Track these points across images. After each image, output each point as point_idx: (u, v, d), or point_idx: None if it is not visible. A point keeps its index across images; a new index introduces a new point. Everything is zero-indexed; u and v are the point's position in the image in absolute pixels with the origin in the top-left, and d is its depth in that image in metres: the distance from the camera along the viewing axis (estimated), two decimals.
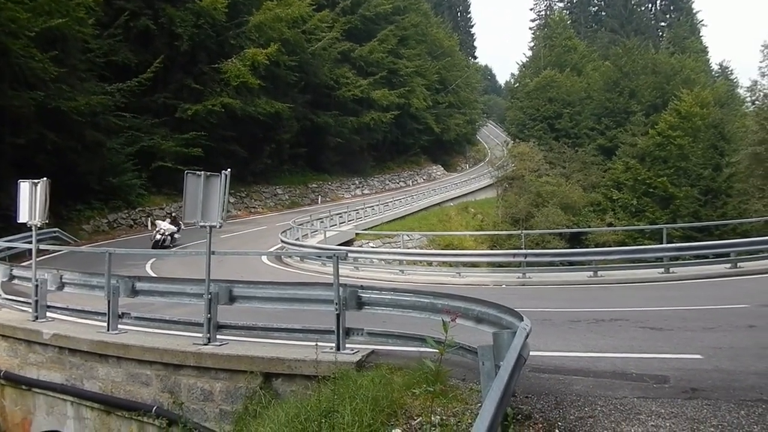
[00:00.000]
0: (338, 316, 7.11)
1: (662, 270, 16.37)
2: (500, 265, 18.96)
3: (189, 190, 7.76)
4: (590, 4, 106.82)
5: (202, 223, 7.80)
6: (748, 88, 48.75)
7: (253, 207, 40.58)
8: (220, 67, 34.79)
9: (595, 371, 6.69)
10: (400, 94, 53.81)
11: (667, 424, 4.98)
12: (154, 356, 7.70)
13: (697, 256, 17.77)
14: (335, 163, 50.98)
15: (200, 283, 7.93)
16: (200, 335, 7.75)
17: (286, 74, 40.12)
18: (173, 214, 25.20)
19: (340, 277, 7.30)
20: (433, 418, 4.92)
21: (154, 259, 19.94)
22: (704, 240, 25.69)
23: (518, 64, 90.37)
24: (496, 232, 36.82)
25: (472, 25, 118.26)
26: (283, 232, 25.12)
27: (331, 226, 29.56)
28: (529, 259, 17.18)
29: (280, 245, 23.19)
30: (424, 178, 64.29)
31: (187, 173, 7.84)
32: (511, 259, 18.06)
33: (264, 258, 21.28)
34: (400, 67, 56.31)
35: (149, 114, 32.63)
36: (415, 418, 5.14)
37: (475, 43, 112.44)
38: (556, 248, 28.58)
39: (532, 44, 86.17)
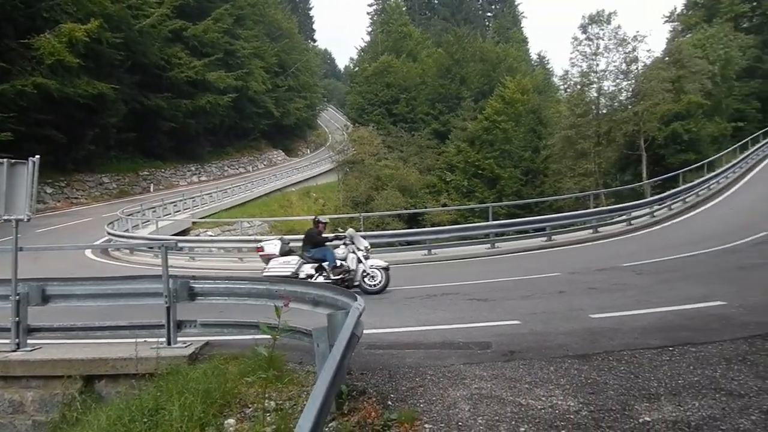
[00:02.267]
0: (168, 309, 6.78)
1: (489, 245, 17.69)
2: None
3: None
4: None
5: (6, 217, 6.97)
6: (560, 77, 53.64)
7: (75, 198, 37.09)
8: (30, 43, 31.13)
9: (426, 343, 7.05)
10: (237, 77, 52.10)
11: (489, 385, 5.39)
12: None
13: (518, 232, 19.45)
14: (169, 148, 48.21)
15: (6, 283, 7.11)
16: (8, 341, 6.96)
17: (110, 53, 36.94)
18: None
19: (172, 268, 6.95)
20: (267, 404, 4.88)
21: None
22: (525, 216, 28.07)
23: (357, 48, 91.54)
24: (337, 216, 37.24)
25: (311, 8, 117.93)
26: (110, 223, 23.34)
27: (165, 216, 28.02)
28: (367, 240, 17.63)
29: (107, 238, 21.54)
30: (265, 163, 63.19)
31: None
32: None
33: (88, 252, 19.66)
34: (237, 48, 54.45)
35: None
36: (250, 406, 5.06)
37: (315, 26, 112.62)
38: (395, 230, 29.58)
39: (370, 29, 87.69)
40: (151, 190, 43.09)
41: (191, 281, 7.08)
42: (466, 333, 7.42)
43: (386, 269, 11.60)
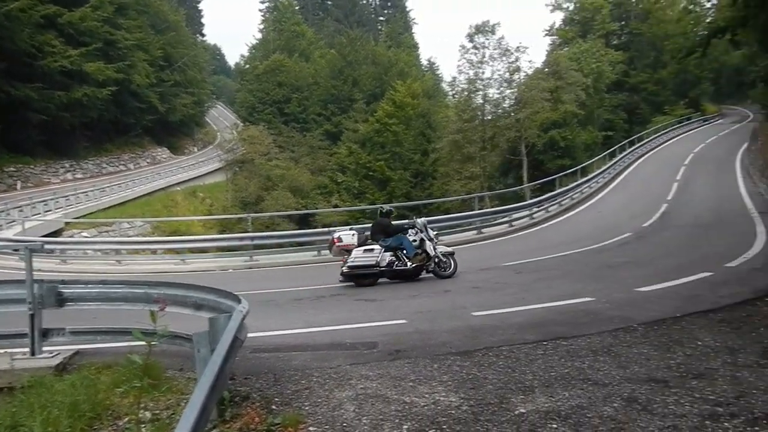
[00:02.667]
0: (32, 316, 6.22)
1: None
2: (230, 249, 18.74)
3: None
4: None
5: None
6: (449, 83, 55.46)
7: None
8: None
9: (314, 345, 7.00)
10: (118, 69, 49.04)
11: (374, 385, 5.42)
12: None
13: None
14: (39, 143, 44.43)
15: None
16: None
17: None
18: None
19: (40, 272, 6.42)
20: (143, 415, 4.61)
21: None
22: (414, 218, 28.62)
23: (248, 45, 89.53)
24: (225, 217, 36.21)
25: (200, 1, 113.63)
26: None
27: (33, 216, 25.89)
28: (256, 242, 17.31)
29: None
30: (148, 161, 60.04)
31: None
32: (238, 242, 17.96)
33: None
34: (118, 39, 51.25)
35: None
36: (123, 417, 4.76)
37: (203, 20, 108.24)
38: (285, 230, 29.22)
39: (262, 27, 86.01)
40: (18, 187, 39.56)
41: (60, 286, 6.55)
42: (353, 333, 7.44)
43: (453, 254, 12.04)
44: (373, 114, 56.71)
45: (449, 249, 12.28)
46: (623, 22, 62.02)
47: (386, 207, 13.00)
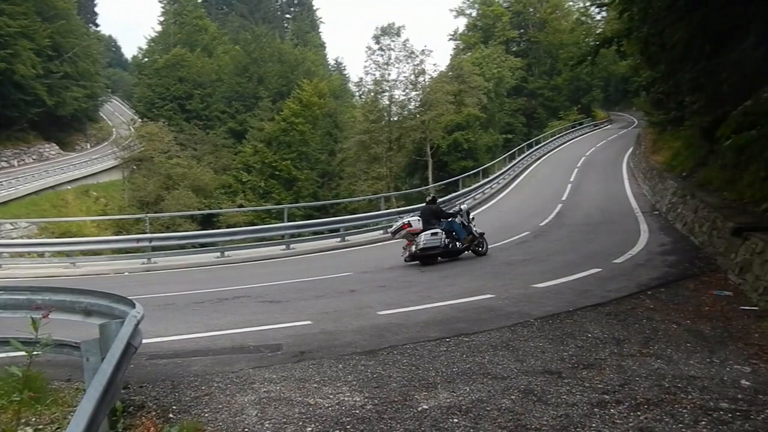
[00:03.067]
0: None
1: (284, 247, 17.66)
2: (126, 251, 17.82)
3: None
4: None
5: None
6: (356, 83, 55.72)
7: None
8: None
9: (215, 349, 6.78)
10: (0, 58, 45.52)
11: (278, 388, 5.32)
12: None
13: (314, 233, 19.67)
14: None
15: None
16: None
17: None
18: None
19: None
20: (23, 430, 4.26)
21: None
22: (321, 218, 28.54)
23: (147, 38, 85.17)
24: (121, 217, 34.41)
25: None
26: None
27: None
28: (154, 243, 16.59)
29: None
30: (35, 157, 55.81)
31: None
32: (135, 244, 17.11)
33: None
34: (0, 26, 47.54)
35: None
36: None
37: (97, 9, 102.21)
38: (187, 231, 28.20)
39: (162, 19, 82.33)
40: None
41: None
42: (257, 336, 7.28)
43: (484, 235, 13.69)
44: (279, 113, 55.88)
45: (482, 231, 13.78)
46: (522, 30, 64.90)
47: (431, 193, 14.70)
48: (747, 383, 5.04)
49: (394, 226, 13.73)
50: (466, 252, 13.42)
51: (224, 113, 63.02)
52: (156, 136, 47.23)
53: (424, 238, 12.75)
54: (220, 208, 44.12)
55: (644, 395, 4.75)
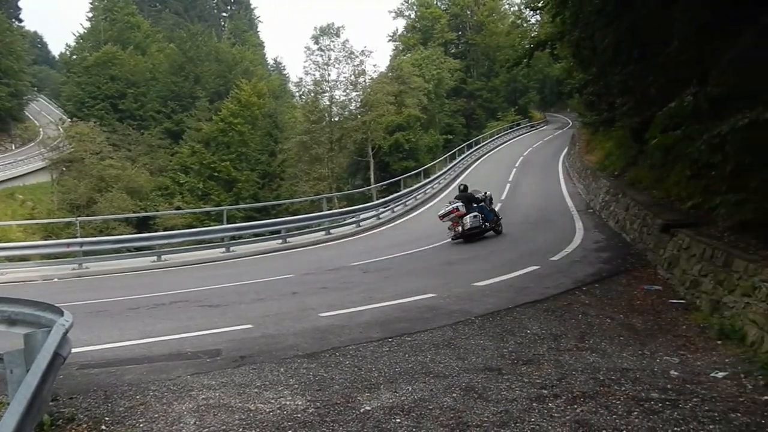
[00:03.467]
0: None
1: (224, 249, 17.28)
2: (56, 256, 17.00)
3: None
4: None
5: None
6: (296, 83, 55.12)
7: None
8: None
9: (151, 356, 6.56)
10: None
11: (217, 394, 5.19)
12: None
13: (255, 235, 19.32)
14: None
15: None
16: None
17: None
18: None
19: None
20: None
21: None
22: (262, 219, 28.11)
23: (75, 34, 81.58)
24: (50, 221, 32.86)
25: None
26: None
27: None
28: (86, 248, 15.90)
29: None
30: None
31: None
32: (65, 249, 16.35)
33: None
34: None
35: None
36: None
37: (20, 4, 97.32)
38: (122, 235, 27.23)
39: (91, 15, 79.10)
40: None
41: None
42: (195, 342, 7.08)
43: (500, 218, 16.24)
44: (217, 113, 54.65)
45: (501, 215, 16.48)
46: (460, 32, 65.89)
47: (463, 183, 17.66)
48: (675, 373, 5.26)
49: (443, 210, 15.77)
50: (488, 231, 15.59)
51: (159, 113, 61.21)
52: (87, 137, 45.29)
53: (470, 221, 14.98)
54: (157, 211, 42.78)
55: (580, 388, 4.88)
